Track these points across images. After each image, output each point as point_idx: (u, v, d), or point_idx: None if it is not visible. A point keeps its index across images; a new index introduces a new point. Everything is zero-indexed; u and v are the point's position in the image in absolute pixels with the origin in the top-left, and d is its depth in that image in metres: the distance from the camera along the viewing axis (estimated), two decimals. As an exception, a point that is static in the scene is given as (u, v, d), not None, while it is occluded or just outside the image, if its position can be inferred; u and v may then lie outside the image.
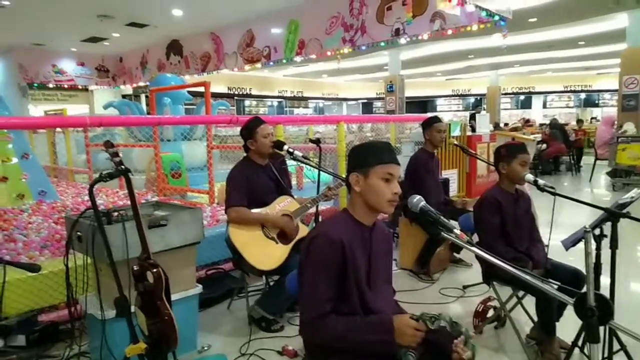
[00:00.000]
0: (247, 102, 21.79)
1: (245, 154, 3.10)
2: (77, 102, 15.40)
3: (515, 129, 11.87)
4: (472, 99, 26.65)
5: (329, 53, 9.75)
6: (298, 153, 3.07)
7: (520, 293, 2.74)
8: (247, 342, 2.82)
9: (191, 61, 12.95)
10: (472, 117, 14.29)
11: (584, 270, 2.40)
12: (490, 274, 2.69)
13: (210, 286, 3.52)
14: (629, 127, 9.49)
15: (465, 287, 3.69)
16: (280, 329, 2.98)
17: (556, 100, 25.66)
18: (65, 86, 14.65)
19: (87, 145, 8.88)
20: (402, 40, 8.95)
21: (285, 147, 3.03)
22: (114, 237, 2.27)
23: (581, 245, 2.03)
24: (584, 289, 1.37)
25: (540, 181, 2.52)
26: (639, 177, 8.17)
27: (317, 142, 4.08)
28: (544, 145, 10.37)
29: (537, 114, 25.07)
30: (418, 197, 1.58)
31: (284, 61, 10.90)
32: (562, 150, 10.18)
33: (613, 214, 1.99)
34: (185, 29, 11.87)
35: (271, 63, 11.15)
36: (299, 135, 12.42)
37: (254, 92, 21.12)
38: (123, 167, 2.07)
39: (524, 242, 2.67)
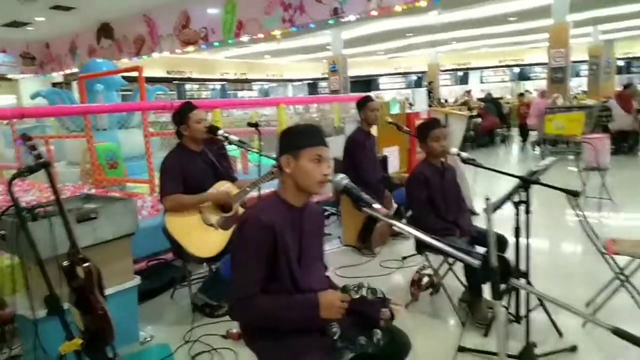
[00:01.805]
0: (187, 87, 21.17)
1: (178, 141, 3.05)
2: (2, 93, 14.40)
3: (465, 103, 12.21)
4: (413, 77, 27.27)
5: (266, 34, 9.63)
6: (234, 137, 3.04)
7: (451, 260, 2.90)
8: (190, 329, 2.82)
9: (124, 45, 12.39)
10: (429, 92, 14.47)
11: (506, 235, 2.61)
12: (421, 244, 2.82)
13: (153, 277, 3.48)
14: (559, 99, 10.09)
15: (404, 258, 3.85)
16: (224, 313, 2.99)
17: (492, 75, 26.72)
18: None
19: (15, 139, 8.38)
20: (341, 19, 9.01)
21: (220, 131, 3.00)
22: (40, 233, 2.18)
23: (505, 212, 2.19)
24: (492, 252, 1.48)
25: (463, 154, 2.66)
26: (565, 145, 8.74)
27: (255, 125, 4.06)
28: (479, 119, 10.83)
29: (475, 89, 25.97)
30: (342, 175, 1.62)
31: (220, 44, 10.67)
32: (496, 123, 10.67)
33: (525, 181, 2.14)
34: (116, 11, 11.31)
35: (205, 46, 10.88)
36: (244, 119, 12.26)
37: (194, 76, 20.51)
38: (42, 160, 1.98)
39: (453, 212, 2.83)
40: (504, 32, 17.42)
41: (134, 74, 6.52)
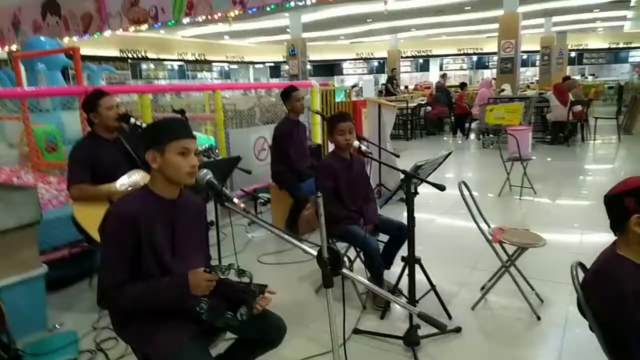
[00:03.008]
0: (144, 66, 20.58)
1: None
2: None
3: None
4: (375, 63, 27.42)
5: (217, 15, 9.47)
6: (139, 124, 3.04)
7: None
8: (99, 317, 2.85)
9: (71, 22, 11.89)
10: (390, 81, 14.49)
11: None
12: (328, 233, 2.94)
13: (72, 265, 3.48)
14: (507, 88, 10.42)
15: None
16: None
17: (451, 63, 27.19)
18: None
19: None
20: (292, 4, 8.96)
21: (132, 120, 3.00)
22: None
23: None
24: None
25: (363, 147, 2.76)
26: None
27: (181, 112, 4.08)
28: (429, 108, 11.07)
29: (435, 76, 26.36)
30: (205, 170, 1.68)
31: (172, 23, 10.41)
32: (445, 112, 10.94)
33: (407, 176, 2.27)
34: (61, -15, 10.83)
35: (159, 24, 10.59)
36: (201, 101, 12.04)
37: (150, 55, 19.92)
38: None
39: (358, 202, 2.94)
40: (460, 21, 17.71)
41: (85, 53, 6.32)
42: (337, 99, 7.38)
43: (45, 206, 3.51)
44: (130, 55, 19.15)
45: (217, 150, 3.58)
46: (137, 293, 1.59)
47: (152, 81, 20.54)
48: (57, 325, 2.80)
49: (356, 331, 2.61)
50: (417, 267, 2.60)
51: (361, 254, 3.10)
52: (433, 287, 2.74)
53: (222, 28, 17.47)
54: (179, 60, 21.57)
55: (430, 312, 2.67)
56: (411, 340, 2.40)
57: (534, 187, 5.38)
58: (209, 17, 9.92)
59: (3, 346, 2.33)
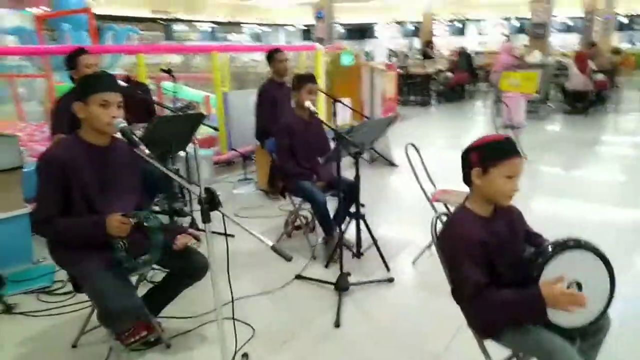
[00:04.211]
0: (176, 28, 20.89)
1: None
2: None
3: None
4: (410, 26, 26.68)
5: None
6: (122, 84, 3.28)
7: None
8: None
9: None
10: (427, 44, 13.99)
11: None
12: (283, 189, 3.16)
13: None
14: (537, 55, 10.03)
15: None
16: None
17: (489, 28, 26.11)
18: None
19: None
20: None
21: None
22: None
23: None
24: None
25: (312, 108, 2.86)
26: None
27: (168, 71, 4.31)
28: (450, 74, 10.87)
29: (472, 42, 25.43)
30: (119, 119, 1.85)
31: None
32: (465, 78, 10.72)
33: (339, 136, 2.42)
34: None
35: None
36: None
37: (181, 17, 20.16)
38: None
39: (311, 160, 3.11)
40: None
41: (111, 12, 6.61)
42: (345, 62, 7.40)
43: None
44: (162, 16, 19.45)
45: (195, 108, 3.79)
46: (63, 227, 1.86)
47: (184, 42, 20.84)
48: (40, 260, 3.16)
49: (298, 277, 2.84)
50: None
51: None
52: (375, 241, 2.92)
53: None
54: (210, 22, 21.73)
55: (373, 264, 2.92)
56: (340, 285, 2.61)
57: (527, 155, 5.34)
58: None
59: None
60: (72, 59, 3.15)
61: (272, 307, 2.59)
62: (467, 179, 1.55)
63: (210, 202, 1.58)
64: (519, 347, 1.53)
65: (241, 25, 23.23)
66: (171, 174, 1.69)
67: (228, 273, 1.85)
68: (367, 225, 2.92)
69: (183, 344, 2.24)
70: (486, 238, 1.48)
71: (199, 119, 3.14)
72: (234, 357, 2.10)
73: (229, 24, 22.45)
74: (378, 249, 2.92)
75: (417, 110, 10.18)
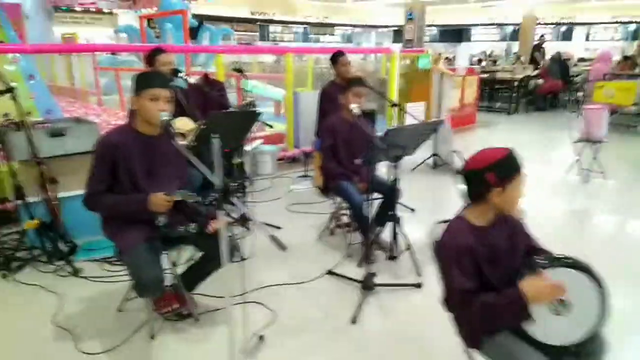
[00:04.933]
0: (271, 29, 21.80)
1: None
2: (103, 25, 16.13)
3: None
4: (510, 29, 25.35)
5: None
6: (189, 78, 3.60)
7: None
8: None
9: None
10: (537, 48, 13.03)
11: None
12: (327, 188, 3.28)
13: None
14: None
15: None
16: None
17: (601, 32, 23.98)
18: (92, 9, 15.30)
19: (95, 68, 9.70)
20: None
21: (180, 74, 3.56)
22: (18, 140, 2.98)
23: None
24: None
25: (356, 111, 2.92)
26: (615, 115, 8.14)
27: (239, 70, 4.60)
28: (540, 80, 10.24)
29: (579, 47, 23.60)
30: (164, 113, 2.08)
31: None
32: (557, 86, 10.02)
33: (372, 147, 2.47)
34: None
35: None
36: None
37: (277, 18, 20.99)
38: (7, 84, 2.72)
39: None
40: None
41: (213, 12, 7.19)
42: (420, 66, 7.32)
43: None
44: (259, 17, 20.39)
45: (256, 105, 4.03)
46: (109, 202, 2.14)
47: (278, 43, 21.71)
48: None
49: (329, 272, 2.94)
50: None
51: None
52: (408, 245, 2.93)
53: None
54: (303, 23, 22.37)
55: (406, 268, 2.93)
56: (366, 285, 2.67)
57: (605, 172, 4.95)
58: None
59: (65, 239, 3.14)
60: (151, 57, 3.53)
61: (299, 298, 2.72)
62: (478, 198, 1.53)
63: (225, 193, 1.73)
64: (497, 357, 1.51)
65: (333, 26, 23.61)
66: (195, 163, 1.87)
67: (243, 259, 1.98)
68: (401, 229, 2.94)
69: (210, 320, 2.46)
70: (478, 247, 1.48)
71: (253, 116, 3.35)
72: (251, 337, 2.27)
73: (321, 24, 22.93)
74: (411, 253, 2.93)
75: (501, 117, 9.72)
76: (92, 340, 2.29)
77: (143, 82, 2.14)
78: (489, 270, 1.49)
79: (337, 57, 4.35)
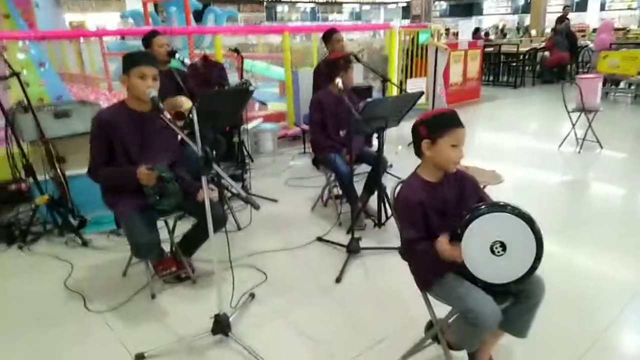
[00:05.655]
0: (279, 9, 21.74)
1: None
2: (111, 10, 16.32)
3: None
4: (521, 1, 24.87)
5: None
6: (186, 60, 3.74)
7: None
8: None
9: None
10: (560, 21, 12.30)
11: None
12: (314, 161, 3.45)
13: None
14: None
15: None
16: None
17: (617, 1, 23.39)
18: (101, -5, 15.49)
19: (103, 54, 9.91)
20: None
21: (177, 55, 3.72)
22: (26, 123, 3.20)
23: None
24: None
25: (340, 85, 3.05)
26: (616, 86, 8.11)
27: (236, 51, 4.73)
28: (547, 53, 10.14)
29: (594, 17, 23.08)
30: (152, 90, 2.26)
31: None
32: (564, 58, 9.91)
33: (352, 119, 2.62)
34: None
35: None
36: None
37: (284, -2, 20.91)
38: (11, 70, 2.92)
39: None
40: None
41: None
42: (421, 41, 7.35)
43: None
44: (266, -2, 20.34)
45: (250, 84, 4.17)
46: (107, 173, 2.36)
47: (285, 23, 21.65)
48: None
49: (319, 239, 3.13)
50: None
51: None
52: (392, 212, 3.08)
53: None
54: (311, 1, 22.25)
55: (391, 234, 3.10)
56: (351, 248, 2.85)
57: (601, 141, 5.01)
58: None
59: (74, 214, 3.37)
60: (147, 39, 3.69)
61: (289, 262, 2.92)
62: (418, 151, 1.71)
63: (206, 161, 1.90)
64: (444, 298, 1.69)
65: (341, 4, 23.42)
66: (182, 135, 2.04)
67: (227, 235, 2.16)
68: (387, 197, 3.09)
69: (206, 282, 2.67)
70: (426, 200, 1.65)
71: (245, 94, 3.50)
72: (242, 295, 2.47)
73: (329, 3, 22.77)
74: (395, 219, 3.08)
75: (507, 91, 9.70)
76: (99, 301, 2.53)
77: (131, 62, 2.31)
78: (439, 222, 1.65)
79: (330, 34, 4.46)
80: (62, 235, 3.28)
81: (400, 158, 4.56)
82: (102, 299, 2.54)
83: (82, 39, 10.30)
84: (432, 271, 1.68)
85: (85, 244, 3.18)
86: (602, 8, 23.39)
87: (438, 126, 1.64)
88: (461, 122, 1.66)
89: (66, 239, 3.25)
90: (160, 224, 2.53)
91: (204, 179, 1.98)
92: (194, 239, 2.63)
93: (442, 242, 1.55)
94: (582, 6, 23.79)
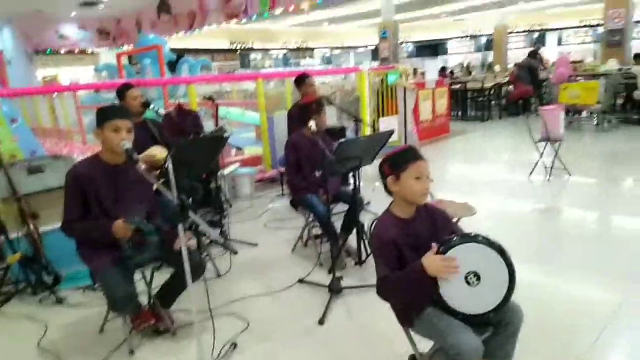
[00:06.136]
0: (252, 56, 22.27)
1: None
2: (85, 64, 16.46)
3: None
4: (484, 39, 26.06)
5: (291, 8, 10.18)
6: (160, 109, 3.79)
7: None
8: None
9: (179, 19, 13.57)
10: (532, 55, 12.42)
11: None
12: (293, 202, 3.47)
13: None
14: (613, 64, 9.42)
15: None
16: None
17: (572, 36, 24.73)
18: (76, 51, 15.64)
19: (77, 108, 9.92)
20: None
21: (151, 106, 3.77)
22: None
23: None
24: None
25: (313, 128, 3.13)
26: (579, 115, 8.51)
27: (211, 98, 4.82)
28: (511, 87, 10.59)
29: (552, 51, 24.20)
30: (126, 142, 2.29)
31: (257, 17, 11.38)
32: (527, 92, 10.36)
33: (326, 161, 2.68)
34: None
35: (245, 20, 11.64)
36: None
37: (257, 46, 21.48)
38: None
39: (316, 174, 3.39)
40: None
41: (195, 45, 7.47)
42: (390, 81, 7.60)
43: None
44: (239, 47, 20.86)
45: (225, 130, 4.23)
46: (80, 229, 2.33)
47: (259, 70, 22.15)
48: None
49: (300, 281, 3.11)
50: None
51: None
52: (370, 251, 3.11)
53: (323, 15, 18.16)
54: (283, 49, 22.89)
55: (373, 271, 3.10)
56: (332, 287, 2.85)
57: (568, 169, 5.19)
58: (288, 9, 10.69)
59: (48, 271, 3.28)
60: (121, 92, 3.74)
61: (271, 306, 2.88)
62: (386, 189, 1.77)
63: (182, 209, 1.91)
64: (426, 334, 1.70)
65: (312, 49, 24.15)
66: (157, 185, 2.05)
67: (205, 283, 2.15)
68: (365, 235, 3.12)
69: (186, 334, 2.60)
70: (399, 238, 1.68)
71: (220, 141, 3.55)
72: (224, 344, 2.42)
73: (299, 49, 23.46)
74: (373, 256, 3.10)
75: (475, 125, 10.03)
76: (75, 360, 2.44)
77: (104, 115, 2.34)
78: (413, 257, 1.68)
79: (302, 79, 4.60)
80: (35, 294, 3.18)
81: (378, 194, 4.60)
82: (79, 359, 2.45)
83: (55, 94, 10.34)
84: (409, 307, 1.70)
85: (60, 301, 3.08)
86: (559, 42, 24.67)
87: (399, 162, 1.72)
88: (420, 155, 1.74)
89: (40, 297, 3.15)
90: (137, 275, 2.50)
91: (180, 227, 1.98)
92: (171, 289, 2.59)
93: (431, 254, 1.58)
94: (540, 42, 25.10)
